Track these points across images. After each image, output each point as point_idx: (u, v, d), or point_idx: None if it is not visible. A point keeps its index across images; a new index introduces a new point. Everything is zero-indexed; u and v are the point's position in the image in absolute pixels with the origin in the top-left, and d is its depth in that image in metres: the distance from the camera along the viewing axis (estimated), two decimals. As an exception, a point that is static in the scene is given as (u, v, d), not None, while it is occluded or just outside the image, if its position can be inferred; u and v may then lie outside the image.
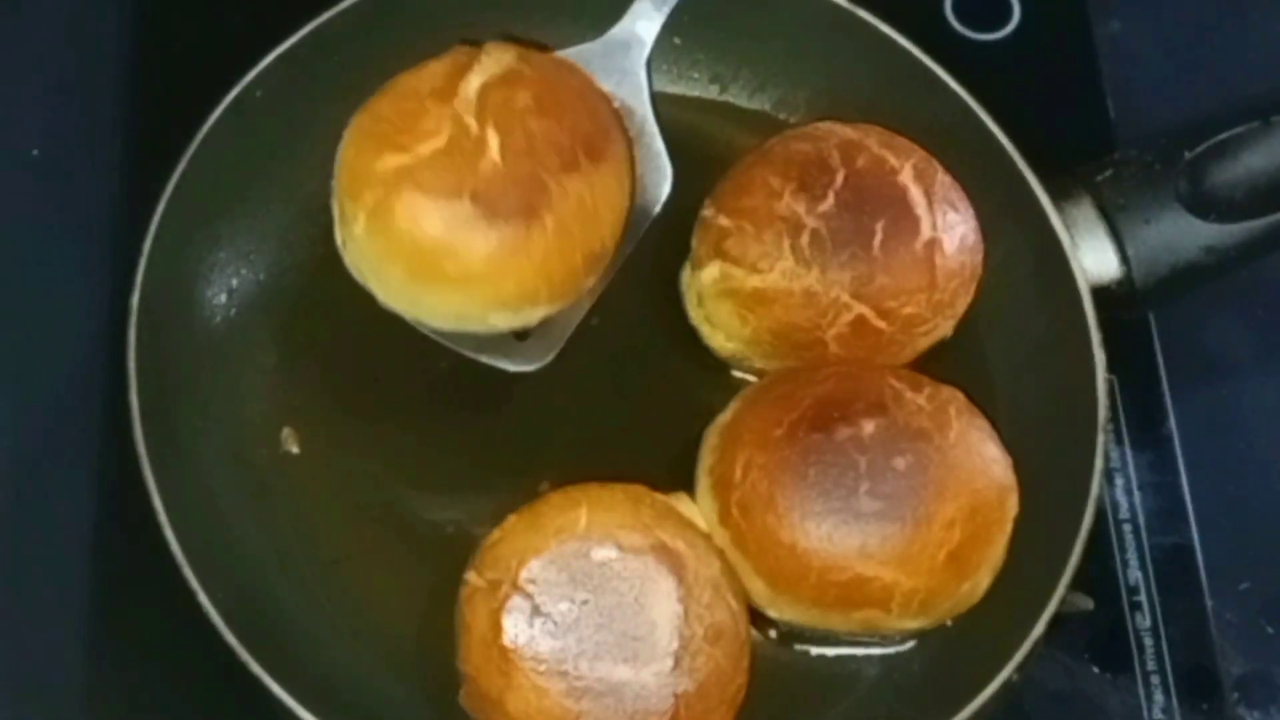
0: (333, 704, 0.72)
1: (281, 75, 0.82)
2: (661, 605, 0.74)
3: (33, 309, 0.88)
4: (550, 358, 0.80)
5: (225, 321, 0.83)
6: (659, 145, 0.82)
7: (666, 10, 0.83)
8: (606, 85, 0.81)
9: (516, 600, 0.73)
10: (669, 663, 0.73)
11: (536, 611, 0.73)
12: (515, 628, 0.73)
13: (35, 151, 0.92)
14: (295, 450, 0.81)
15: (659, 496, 0.78)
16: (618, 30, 0.83)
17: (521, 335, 0.79)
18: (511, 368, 0.79)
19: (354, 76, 0.84)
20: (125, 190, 0.89)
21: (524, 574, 0.74)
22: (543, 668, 0.73)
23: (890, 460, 0.75)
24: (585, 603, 0.73)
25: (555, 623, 0.73)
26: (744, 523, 0.76)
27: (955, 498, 0.75)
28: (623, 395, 0.84)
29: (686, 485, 0.80)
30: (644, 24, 0.83)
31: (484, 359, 0.79)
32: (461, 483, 0.82)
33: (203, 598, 0.73)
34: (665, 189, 0.82)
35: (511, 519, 0.77)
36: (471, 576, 0.75)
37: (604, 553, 0.74)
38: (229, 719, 0.80)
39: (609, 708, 0.73)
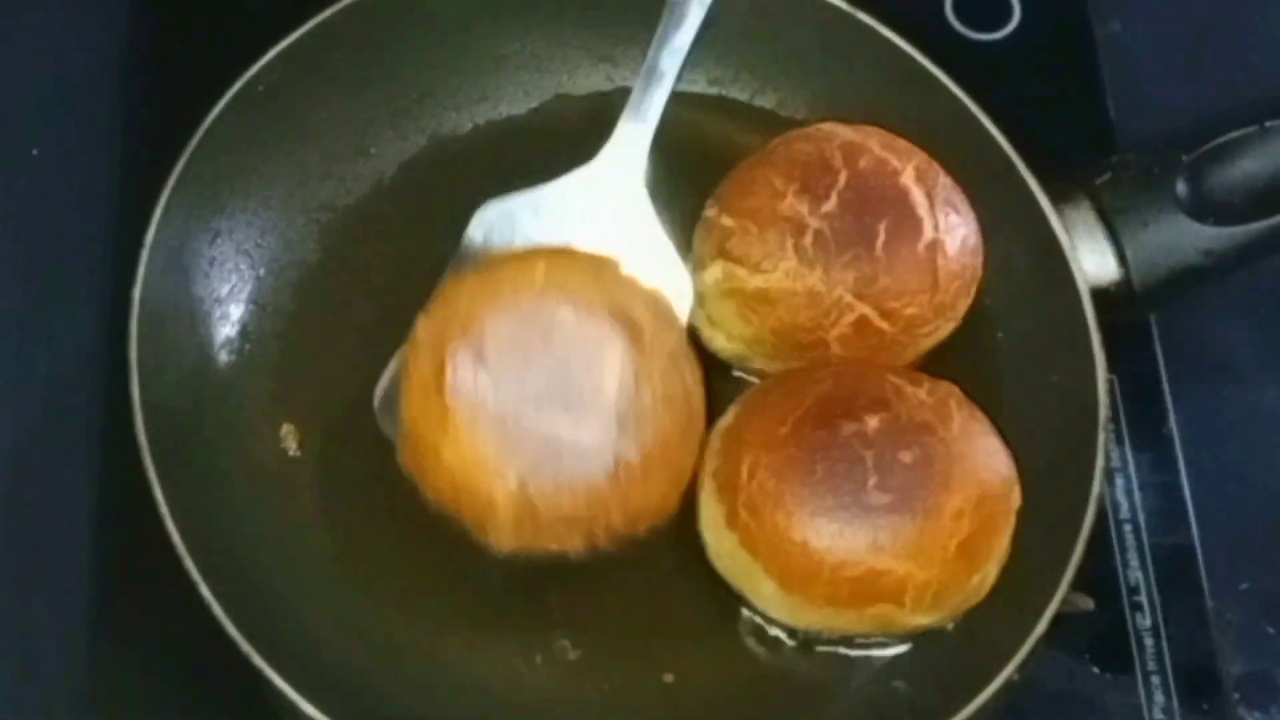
0: (334, 697, 0.72)
1: (283, 71, 0.82)
2: (612, 366, 0.72)
3: (33, 308, 0.88)
4: None
5: (225, 317, 0.83)
6: (677, 262, 0.82)
7: (651, 129, 0.83)
8: (611, 207, 0.82)
9: (462, 346, 0.72)
10: (612, 426, 0.72)
11: (481, 359, 0.71)
12: (458, 374, 0.71)
13: (35, 151, 0.92)
14: (295, 447, 0.81)
15: (623, 269, 0.76)
16: (609, 154, 0.83)
17: None
18: None
19: (355, 73, 0.85)
20: (125, 189, 0.89)
21: (474, 323, 0.72)
22: (481, 416, 0.71)
23: (896, 454, 0.75)
24: (532, 357, 0.72)
25: (500, 373, 0.71)
26: (753, 523, 0.76)
27: (962, 488, 0.75)
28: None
29: (688, 488, 0.80)
30: (632, 150, 0.83)
31: None
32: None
33: (204, 590, 0.73)
34: (687, 305, 0.82)
35: (468, 274, 0.75)
36: (420, 321, 0.74)
37: (558, 310, 0.72)
38: (229, 718, 0.80)
39: (545, 465, 0.71)
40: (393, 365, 0.80)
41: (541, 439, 0.71)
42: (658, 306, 0.76)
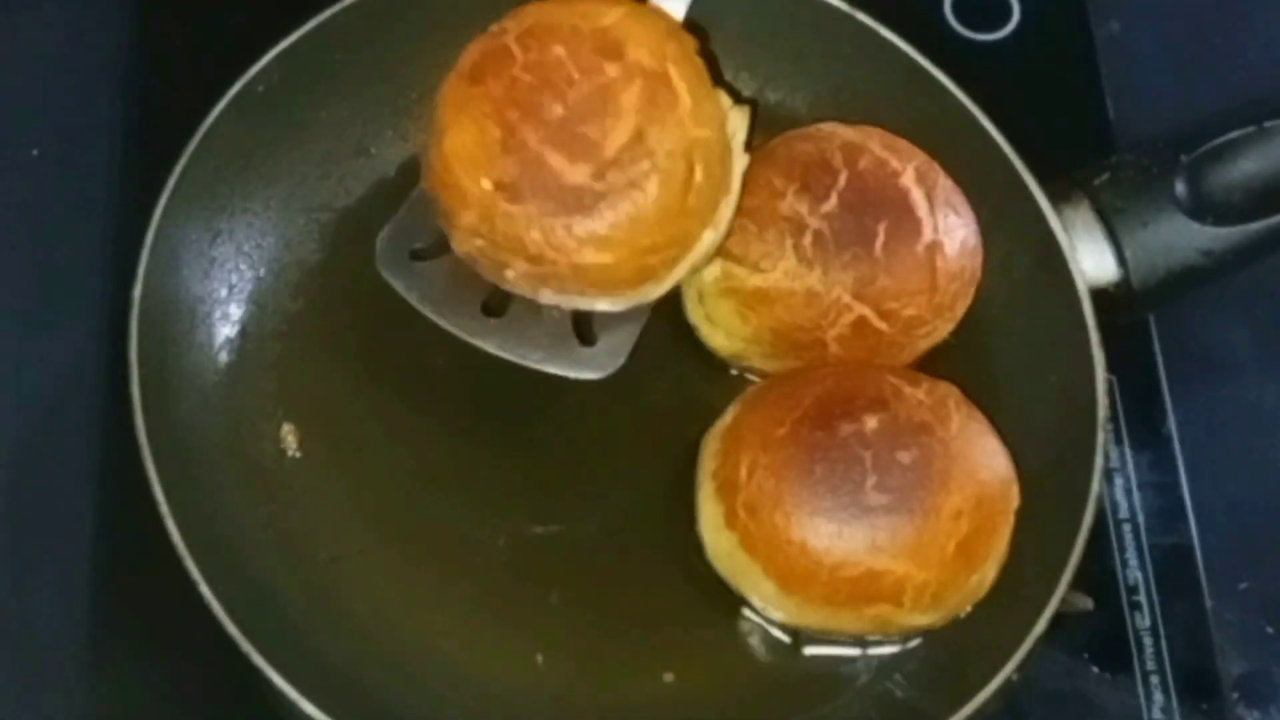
0: (334, 697, 0.72)
1: (283, 71, 0.82)
2: (626, 126, 0.74)
3: (33, 308, 0.88)
4: (617, 365, 0.79)
5: (225, 317, 0.83)
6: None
7: None
8: None
9: (510, 50, 0.75)
10: (597, 180, 0.74)
11: (519, 68, 0.74)
12: (493, 72, 0.75)
13: (35, 151, 0.92)
14: (295, 447, 0.81)
15: (697, 55, 0.77)
16: None
17: (588, 340, 0.79)
18: (577, 375, 0.79)
19: (355, 73, 0.85)
20: (125, 189, 0.89)
21: (532, 36, 0.75)
22: (491, 117, 0.74)
23: (895, 454, 0.75)
24: (564, 85, 0.74)
25: (528, 88, 0.74)
26: (751, 524, 0.76)
27: (961, 489, 0.75)
28: (621, 394, 0.84)
29: (687, 485, 0.80)
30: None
31: (550, 369, 0.79)
32: (461, 481, 0.82)
33: (204, 589, 0.73)
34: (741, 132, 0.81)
35: None
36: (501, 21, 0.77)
37: (611, 53, 0.75)
38: (229, 718, 0.80)
39: (524, 185, 0.73)
40: (402, 209, 0.81)
41: (532, 161, 0.74)
42: (707, 101, 0.77)
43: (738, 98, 0.81)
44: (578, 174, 0.74)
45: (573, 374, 0.79)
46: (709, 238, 0.78)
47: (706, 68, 0.78)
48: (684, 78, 0.76)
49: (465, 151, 0.75)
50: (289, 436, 0.81)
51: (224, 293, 0.83)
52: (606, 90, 0.75)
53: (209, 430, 0.80)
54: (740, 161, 0.79)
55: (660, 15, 0.78)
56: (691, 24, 0.80)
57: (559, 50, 0.75)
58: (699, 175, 0.76)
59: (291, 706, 0.72)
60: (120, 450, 0.76)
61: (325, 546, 0.80)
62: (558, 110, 0.75)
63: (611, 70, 0.75)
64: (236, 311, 0.83)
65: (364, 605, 0.78)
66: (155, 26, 0.95)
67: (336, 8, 0.83)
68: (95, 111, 0.92)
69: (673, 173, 0.75)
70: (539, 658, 0.79)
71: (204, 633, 0.73)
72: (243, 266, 0.83)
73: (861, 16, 0.86)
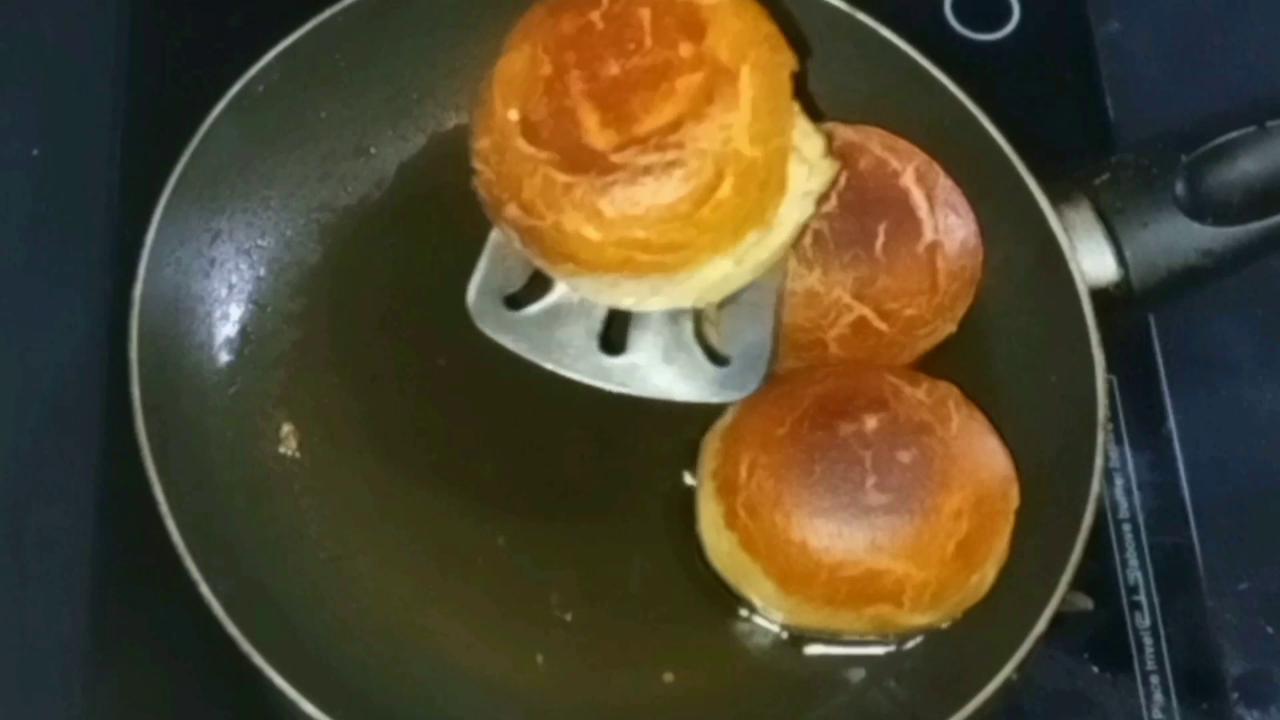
0: (334, 697, 0.72)
1: (283, 71, 0.82)
2: (675, 104, 0.70)
3: (33, 307, 0.88)
4: (760, 378, 0.76)
5: (225, 317, 0.83)
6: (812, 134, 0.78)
7: None
8: None
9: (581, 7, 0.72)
10: (632, 154, 0.70)
11: (596, 3, 0.72)
12: (557, 24, 0.72)
13: (35, 151, 0.92)
14: (295, 447, 0.81)
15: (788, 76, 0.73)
16: None
17: (721, 360, 0.76)
18: (719, 399, 0.77)
19: (355, 73, 0.85)
20: (125, 189, 0.89)
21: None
22: (551, 44, 0.72)
23: (895, 454, 0.75)
24: (628, 41, 0.71)
25: (597, 27, 0.71)
26: (751, 524, 0.76)
27: (961, 488, 0.75)
28: (621, 393, 0.84)
29: (687, 485, 0.80)
30: None
31: (689, 399, 0.76)
32: (461, 481, 0.82)
33: (204, 590, 0.73)
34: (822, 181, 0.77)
35: None
36: None
37: (689, 29, 0.71)
38: (229, 718, 0.80)
39: (555, 128, 0.71)
40: (483, 259, 0.78)
41: (565, 109, 0.71)
42: (771, 121, 0.72)
43: (834, 152, 0.77)
44: (601, 139, 0.71)
45: (715, 399, 0.76)
46: (722, 267, 0.74)
47: (800, 102, 0.74)
48: (755, 85, 0.72)
49: (511, 75, 0.73)
50: (289, 436, 0.81)
51: (224, 293, 0.83)
52: (668, 67, 0.71)
53: (209, 430, 0.80)
54: (800, 209, 0.75)
55: (764, 19, 0.74)
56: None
57: (644, 11, 0.72)
58: (726, 189, 0.71)
59: (291, 706, 0.72)
60: (120, 450, 0.77)
61: (325, 546, 0.80)
62: (614, 69, 0.71)
63: (684, 50, 0.71)
64: (236, 311, 0.83)
65: (364, 605, 0.78)
66: (155, 26, 0.95)
67: (336, 8, 0.83)
68: (95, 111, 0.92)
69: (694, 174, 0.71)
70: (539, 658, 0.79)
71: (204, 633, 0.73)
72: (243, 266, 0.83)
73: (861, 16, 0.86)
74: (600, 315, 0.76)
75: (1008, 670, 0.74)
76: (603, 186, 0.71)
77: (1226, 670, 0.84)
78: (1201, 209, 0.83)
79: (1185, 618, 0.85)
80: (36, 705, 0.80)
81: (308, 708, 0.72)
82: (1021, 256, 0.83)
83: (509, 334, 0.76)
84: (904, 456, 0.75)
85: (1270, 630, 0.86)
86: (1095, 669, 0.84)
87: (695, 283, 0.74)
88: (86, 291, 0.88)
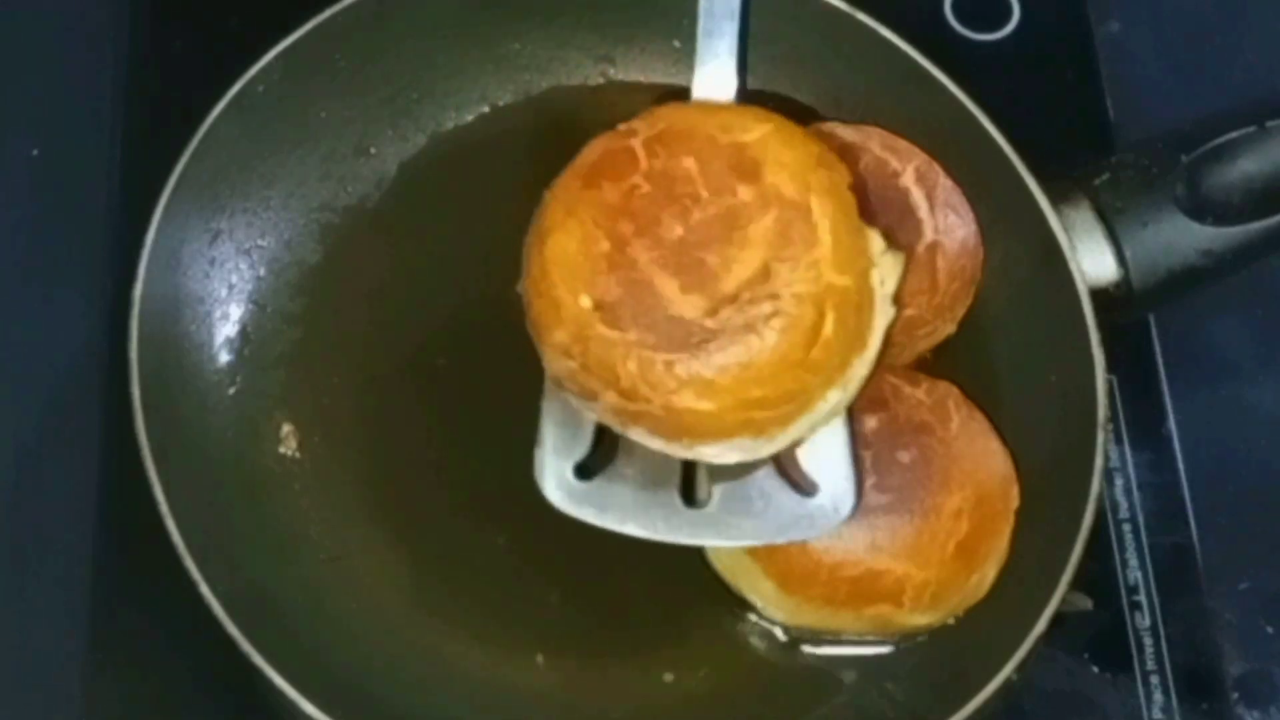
0: (334, 697, 0.72)
1: (283, 71, 0.82)
2: (752, 259, 0.67)
3: (33, 307, 0.88)
4: (850, 506, 0.73)
5: (225, 317, 0.83)
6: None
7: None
8: None
9: (637, 155, 0.68)
10: (708, 316, 0.66)
11: (633, 163, 0.68)
12: (612, 177, 0.68)
13: (35, 151, 0.92)
14: (295, 447, 0.81)
15: (847, 190, 0.70)
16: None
17: (807, 491, 0.73)
18: (813, 536, 0.73)
19: (355, 73, 0.85)
20: (125, 189, 0.89)
21: (663, 142, 0.68)
22: (602, 227, 0.67)
23: (894, 454, 0.75)
24: (691, 201, 0.67)
25: (648, 200, 0.67)
26: (751, 524, 0.76)
27: (961, 488, 0.75)
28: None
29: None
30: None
31: (781, 540, 0.73)
32: (461, 481, 0.82)
33: (204, 589, 0.73)
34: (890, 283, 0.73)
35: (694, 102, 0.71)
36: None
37: (748, 175, 0.67)
38: (229, 718, 0.80)
39: (625, 310, 0.67)
40: (543, 432, 0.74)
41: (640, 283, 0.67)
42: (851, 243, 0.69)
43: (892, 241, 0.74)
44: (689, 306, 0.67)
45: (810, 535, 0.73)
46: (834, 397, 0.71)
47: (856, 204, 0.71)
48: (827, 213, 0.69)
49: (568, 260, 0.69)
50: (289, 436, 0.81)
51: (224, 293, 0.83)
52: (735, 215, 0.68)
53: (209, 430, 0.80)
54: (884, 315, 0.72)
55: (809, 139, 0.71)
56: (846, 150, 0.75)
57: (689, 162, 0.69)
58: (829, 327, 0.68)
59: (291, 706, 0.72)
60: (120, 450, 0.77)
61: (325, 546, 0.80)
62: (677, 230, 0.68)
63: (745, 193, 0.68)
64: (236, 311, 0.83)
65: (364, 605, 0.78)
66: (155, 26, 0.94)
67: (336, 8, 0.83)
68: (95, 111, 0.92)
69: (798, 320, 0.68)
70: (539, 658, 0.79)
71: (204, 633, 0.73)
72: (243, 266, 0.83)
73: (861, 16, 0.86)
74: (676, 467, 0.73)
75: (1008, 670, 0.74)
76: (706, 356, 0.68)
77: (1226, 670, 0.84)
78: (1201, 209, 0.83)
79: (1185, 618, 0.85)
80: (36, 705, 0.80)
81: (308, 708, 0.72)
82: (1021, 256, 0.83)
83: (590, 508, 0.73)
84: (904, 456, 0.75)
85: (1270, 630, 0.86)
86: (1095, 669, 0.84)
87: (808, 421, 0.71)
88: (86, 291, 0.87)
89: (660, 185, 0.69)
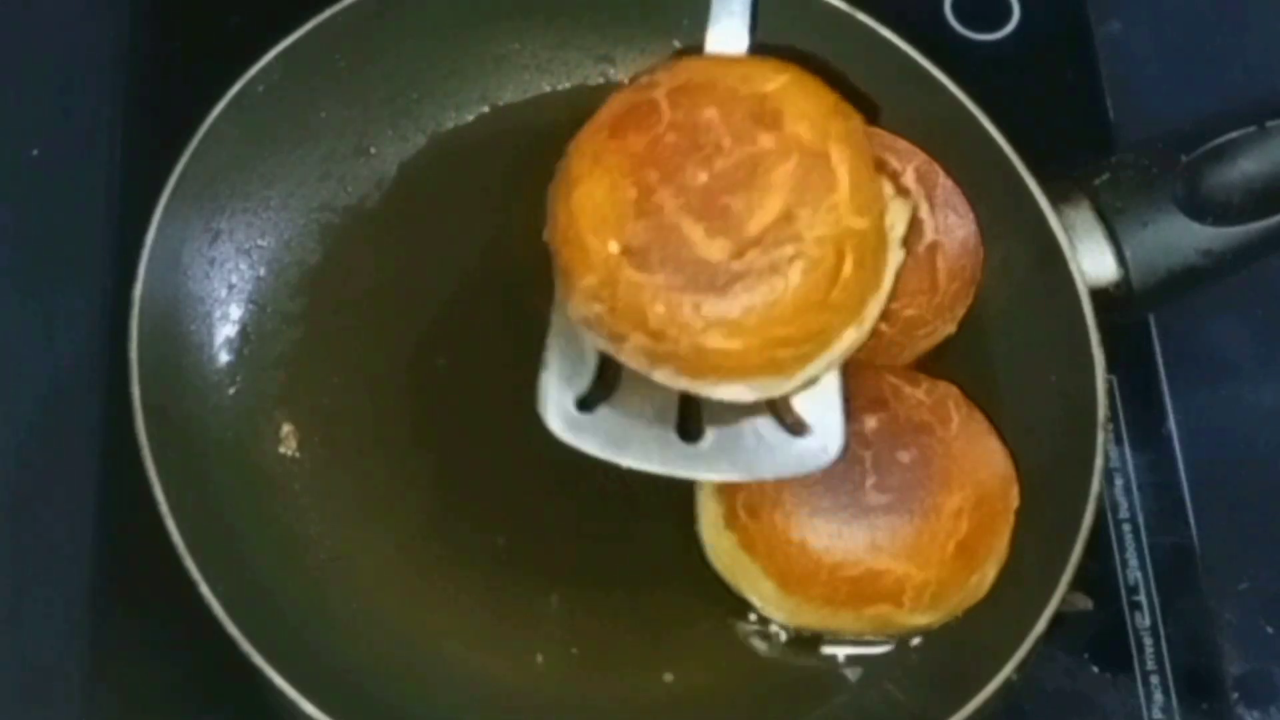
0: (334, 697, 0.72)
1: (283, 71, 0.82)
2: (774, 203, 0.69)
3: (33, 308, 0.88)
4: (840, 446, 0.74)
5: (225, 317, 0.83)
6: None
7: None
8: None
9: (659, 106, 0.70)
10: (735, 260, 0.68)
11: (665, 127, 0.69)
12: (635, 127, 0.70)
13: (35, 151, 0.92)
14: (295, 447, 0.81)
15: (864, 134, 0.72)
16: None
17: (798, 431, 0.75)
18: (804, 473, 0.74)
19: (355, 73, 0.85)
20: (125, 189, 0.89)
21: (684, 94, 0.70)
22: (628, 174, 0.69)
23: (895, 454, 0.75)
24: (713, 150, 0.69)
25: (672, 149, 0.69)
26: (751, 524, 0.76)
27: (961, 488, 0.75)
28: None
29: (687, 485, 0.80)
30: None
31: (773, 476, 0.74)
32: (460, 481, 0.82)
33: (204, 589, 0.73)
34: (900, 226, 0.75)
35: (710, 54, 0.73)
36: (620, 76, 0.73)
37: (769, 123, 0.69)
38: (229, 718, 0.80)
39: (653, 254, 0.68)
40: (547, 364, 0.75)
41: (667, 228, 0.68)
42: (868, 187, 0.71)
43: (900, 188, 0.76)
44: (714, 249, 0.69)
45: (800, 472, 0.74)
46: (850, 336, 0.73)
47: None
48: (845, 159, 0.71)
49: (595, 208, 0.71)
50: (289, 436, 0.81)
51: (224, 293, 0.83)
52: (757, 162, 0.70)
53: (209, 430, 0.80)
54: (895, 257, 0.74)
55: (826, 89, 0.73)
56: (861, 98, 0.77)
57: (711, 112, 0.70)
58: (849, 268, 0.70)
59: (291, 706, 0.72)
60: (120, 450, 0.76)
61: (325, 546, 0.80)
62: (701, 177, 0.70)
63: (766, 141, 0.70)
64: (236, 311, 0.83)
65: (364, 605, 0.78)
66: (155, 26, 0.95)
67: (336, 8, 0.83)
68: (95, 111, 0.92)
69: (820, 261, 0.70)
70: (539, 658, 0.79)
71: (204, 633, 0.73)
72: (243, 266, 0.83)
73: (861, 16, 0.86)
74: (674, 403, 0.74)
75: (1008, 670, 0.74)
76: (732, 295, 0.69)
77: (1226, 670, 0.84)
78: (1201, 209, 0.83)
79: (1185, 618, 0.85)
80: (36, 705, 0.80)
81: (308, 708, 0.72)
82: (1021, 256, 0.83)
83: (590, 438, 0.74)
84: (904, 456, 0.75)
85: (1270, 630, 0.86)
86: (1095, 669, 0.84)
87: (826, 359, 0.73)
88: (86, 291, 0.87)
89: (684, 134, 0.71)
